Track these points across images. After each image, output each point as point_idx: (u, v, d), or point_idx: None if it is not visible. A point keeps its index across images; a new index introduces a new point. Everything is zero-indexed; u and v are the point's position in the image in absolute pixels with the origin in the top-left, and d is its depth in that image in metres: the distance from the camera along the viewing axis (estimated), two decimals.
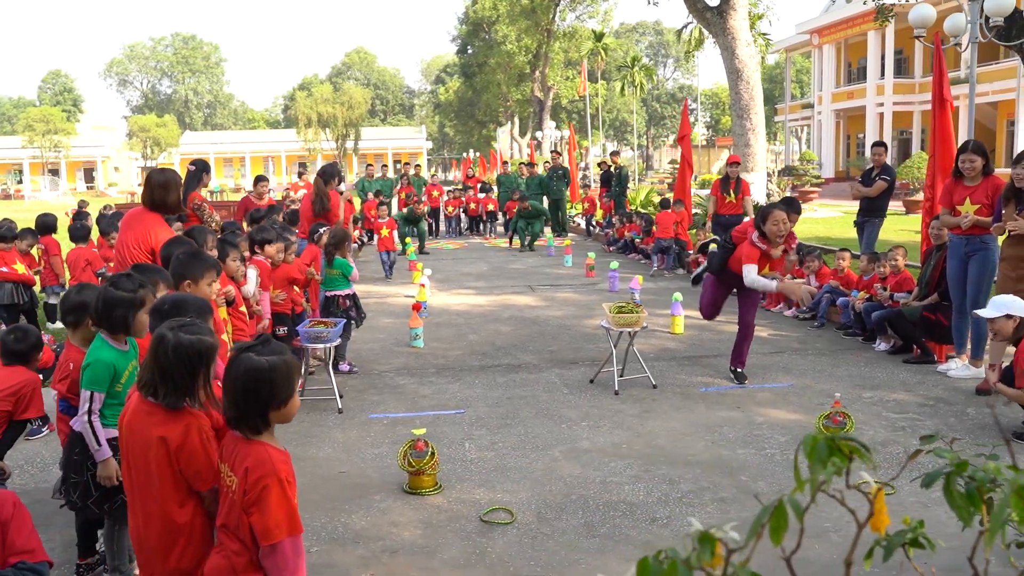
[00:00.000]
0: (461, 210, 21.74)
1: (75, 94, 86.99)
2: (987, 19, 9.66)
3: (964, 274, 7.00)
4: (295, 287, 6.96)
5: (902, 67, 38.78)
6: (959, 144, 7.21)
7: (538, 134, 50.37)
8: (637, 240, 15.73)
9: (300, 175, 21.51)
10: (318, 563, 3.85)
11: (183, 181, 5.53)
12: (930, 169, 7.94)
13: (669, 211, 14.09)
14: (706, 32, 26.45)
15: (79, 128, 72.74)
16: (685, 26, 48.30)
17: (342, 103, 65.69)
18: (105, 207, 18.59)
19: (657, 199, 18.11)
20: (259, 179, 11.10)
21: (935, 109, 7.66)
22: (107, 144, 73.99)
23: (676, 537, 4.10)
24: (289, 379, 2.47)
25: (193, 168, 7.81)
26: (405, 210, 16.81)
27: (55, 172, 67.04)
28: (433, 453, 4.72)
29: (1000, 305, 5.56)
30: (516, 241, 17.87)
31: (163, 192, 5.16)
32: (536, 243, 17.63)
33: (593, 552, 3.97)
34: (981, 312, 5.79)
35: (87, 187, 69.18)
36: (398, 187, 19.53)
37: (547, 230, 19.03)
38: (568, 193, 21.13)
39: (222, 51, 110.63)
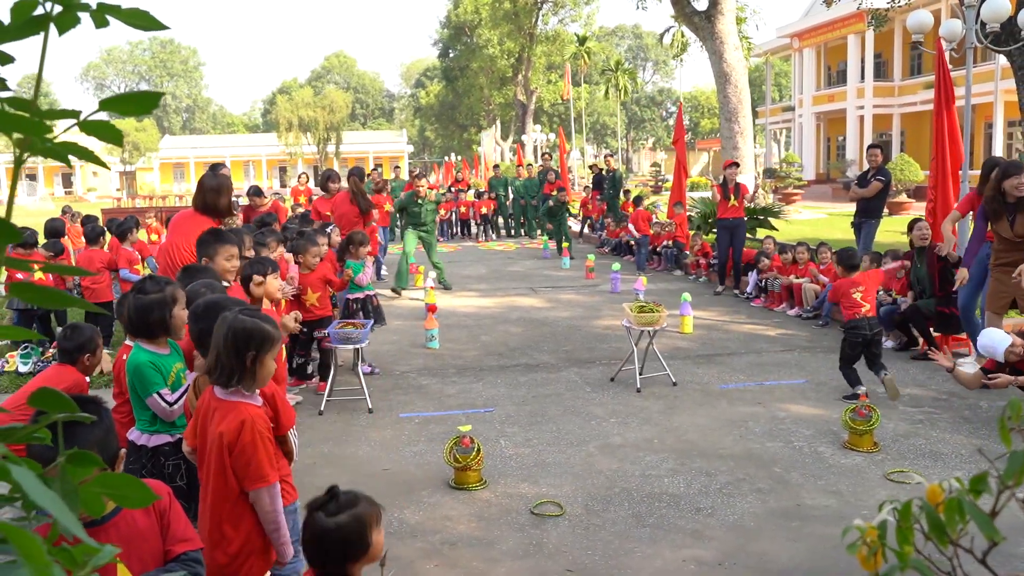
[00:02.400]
0: (452, 213, 21.84)
1: (52, 98, 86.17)
2: (983, 25, 9.92)
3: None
4: (330, 288, 7.04)
5: (881, 70, 39.34)
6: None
7: (523, 137, 50.55)
8: (631, 242, 15.93)
9: (299, 178, 21.51)
10: None
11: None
12: (933, 171, 8.16)
13: (642, 208, 15.51)
14: (691, 36, 26.78)
15: (56, 132, 72.00)
16: (667, 30, 48.83)
17: (323, 107, 65.51)
18: (65, 208, 18.50)
19: (646, 202, 18.35)
20: (256, 191, 10.98)
21: (939, 112, 7.89)
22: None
23: (723, 526, 4.26)
24: (362, 535, 2.41)
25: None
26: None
27: (32, 177, 66.41)
28: (478, 449, 4.85)
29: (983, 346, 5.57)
30: (539, 239, 17.72)
31: (215, 196, 5.23)
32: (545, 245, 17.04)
33: (646, 541, 4.12)
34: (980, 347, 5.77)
35: (65, 192, 68.57)
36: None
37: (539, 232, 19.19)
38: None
39: (200, 55, 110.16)
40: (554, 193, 16.62)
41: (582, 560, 3.93)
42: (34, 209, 42.19)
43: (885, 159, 31.73)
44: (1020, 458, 0.95)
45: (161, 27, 1.18)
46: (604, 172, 19.52)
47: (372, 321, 6.97)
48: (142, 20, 1.16)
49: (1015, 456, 0.96)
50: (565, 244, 15.66)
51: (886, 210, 26.17)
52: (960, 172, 8.39)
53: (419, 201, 12.20)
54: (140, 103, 1.16)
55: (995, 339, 5.42)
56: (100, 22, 1.14)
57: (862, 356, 6.37)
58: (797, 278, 10.24)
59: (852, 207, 11.45)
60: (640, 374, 6.99)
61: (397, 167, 21.75)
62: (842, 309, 6.48)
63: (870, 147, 11.03)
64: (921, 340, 7.88)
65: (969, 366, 7.26)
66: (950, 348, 7.79)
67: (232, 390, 2.81)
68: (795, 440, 5.57)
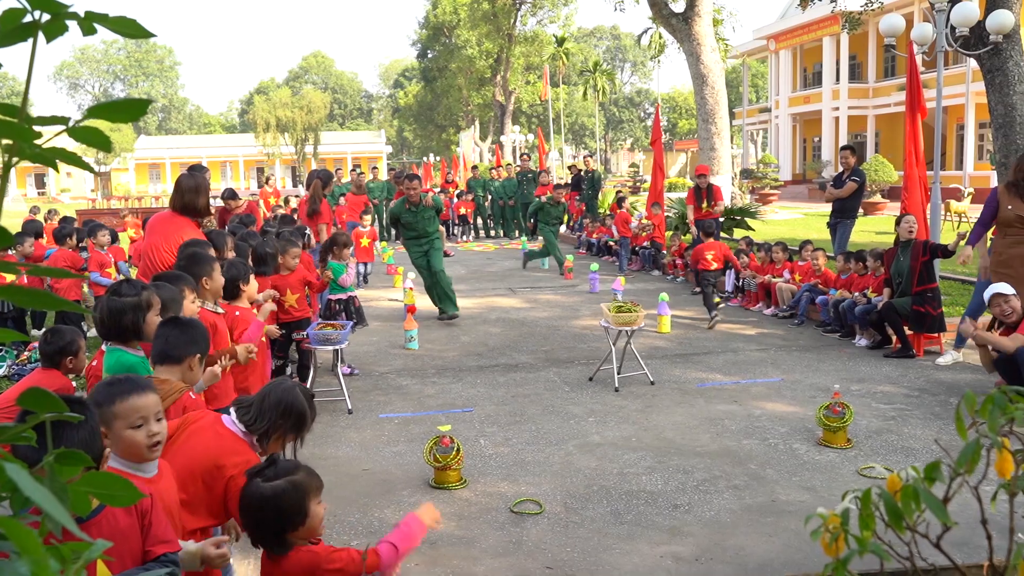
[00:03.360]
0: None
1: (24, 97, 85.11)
2: (952, 29, 10.08)
3: None
4: (308, 290, 7.05)
5: (856, 72, 39.74)
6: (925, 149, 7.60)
7: (502, 138, 50.60)
8: (612, 242, 16.02)
9: (268, 180, 21.46)
10: None
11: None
12: (907, 175, 8.30)
13: (623, 210, 15.47)
14: (669, 38, 26.94)
15: (45, 138, 71.17)
16: (645, 31, 49.06)
17: (301, 107, 65.19)
18: (33, 208, 18.38)
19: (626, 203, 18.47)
20: (231, 194, 10.91)
21: (908, 116, 8.02)
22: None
23: (700, 522, 4.32)
24: (299, 504, 2.47)
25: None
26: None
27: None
28: (458, 449, 4.89)
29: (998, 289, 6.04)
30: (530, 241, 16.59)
31: (194, 196, 5.24)
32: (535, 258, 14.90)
33: (624, 538, 4.17)
34: (991, 290, 6.23)
35: (38, 193, 67.82)
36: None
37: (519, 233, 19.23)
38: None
39: (176, 54, 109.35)
40: (547, 195, 14.36)
41: (561, 557, 3.98)
42: (5, 210, 41.68)
43: (860, 160, 32.17)
44: (971, 448, 1.01)
45: (148, 35, 1.21)
46: (583, 173, 19.61)
47: (353, 322, 6.99)
48: (130, 28, 1.19)
49: (967, 447, 1.01)
50: (567, 258, 13.87)
51: (861, 210, 26.51)
52: (931, 173, 8.54)
53: (412, 209, 9.90)
54: (128, 110, 1.19)
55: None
56: (88, 30, 1.17)
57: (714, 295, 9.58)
58: (773, 277, 10.35)
59: (828, 207, 11.60)
60: (618, 373, 7.05)
61: (375, 168, 21.68)
62: (699, 265, 10.00)
63: (842, 148, 11.19)
64: (894, 338, 8.01)
65: (945, 360, 7.49)
66: (923, 347, 7.92)
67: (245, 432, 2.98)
68: (770, 437, 5.65)
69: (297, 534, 2.49)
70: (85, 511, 1.14)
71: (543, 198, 14.21)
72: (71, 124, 1.14)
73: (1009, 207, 7.02)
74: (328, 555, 2.49)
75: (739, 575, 3.79)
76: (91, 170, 1.26)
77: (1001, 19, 10.08)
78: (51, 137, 1.19)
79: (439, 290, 10.10)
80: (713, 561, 3.92)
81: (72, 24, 1.15)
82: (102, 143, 1.22)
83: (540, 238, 14.71)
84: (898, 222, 8.25)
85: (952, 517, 1.41)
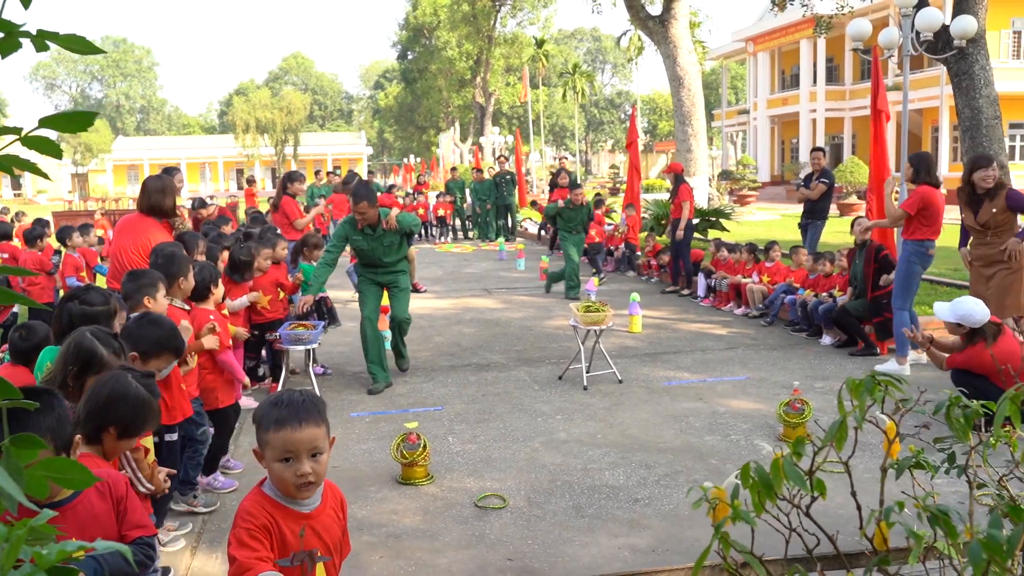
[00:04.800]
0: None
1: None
2: (918, 34, 10.28)
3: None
4: (281, 291, 7.12)
5: (833, 75, 40.16)
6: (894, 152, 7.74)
7: (481, 139, 50.72)
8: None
9: (251, 182, 21.44)
10: None
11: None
12: (872, 176, 8.48)
13: (599, 212, 15.67)
14: (647, 40, 27.15)
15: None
16: (624, 33, 49.35)
17: (281, 108, 65.10)
18: (2, 209, 18.32)
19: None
20: (200, 203, 10.89)
21: (873, 119, 8.20)
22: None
23: (658, 515, 4.45)
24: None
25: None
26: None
27: None
28: (425, 445, 4.99)
29: (958, 313, 5.74)
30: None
31: (160, 197, 5.38)
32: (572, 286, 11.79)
33: (584, 530, 4.29)
34: (937, 311, 6.05)
35: (15, 194, 67.25)
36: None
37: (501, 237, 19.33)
38: (516, 198, 21.54)
39: (155, 55, 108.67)
40: (562, 201, 11.88)
41: (522, 549, 4.09)
42: None
43: (838, 160, 31.97)
44: (836, 426, 1.13)
45: (97, 51, 1.32)
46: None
47: (324, 322, 7.07)
48: (79, 45, 1.29)
49: (832, 425, 1.13)
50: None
51: (836, 211, 26.79)
52: (899, 175, 8.70)
53: (368, 231, 7.00)
54: (77, 122, 1.29)
55: (975, 307, 5.66)
56: (40, 47, 1.27)
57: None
58: (744, 278, 10.51)
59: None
60: (587, 372, 7.17)
61: (317, 172, 20.03)
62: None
63: (813, 151, 11.38)
64: (859, 341, 8.17)
65: (890, 366, 7.50)
66: (887, 346, 8.08)
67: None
68: (733, 434, 5.79)
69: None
70: (43, 494, 1.23)
71: (560, 202, 11.91)
72: (24, 134, 1.24)
73: (963, 214, 7.21)
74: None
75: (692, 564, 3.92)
76: (46, 176, 1.36)
77: (964, 24, 10.30)
78: (6, 145, 1.29)
79: (394, 340, 7.62)
80: (669, 552, 4.04)
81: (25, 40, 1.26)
82: (53, 151, 1.33)
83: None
84: (853, 225, 8.43)
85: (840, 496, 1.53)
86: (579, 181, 21.54)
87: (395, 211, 7.08)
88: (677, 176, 12.42)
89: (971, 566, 1.11)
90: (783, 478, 1.11)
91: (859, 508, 1.47)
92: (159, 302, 4.05)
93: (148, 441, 3.21)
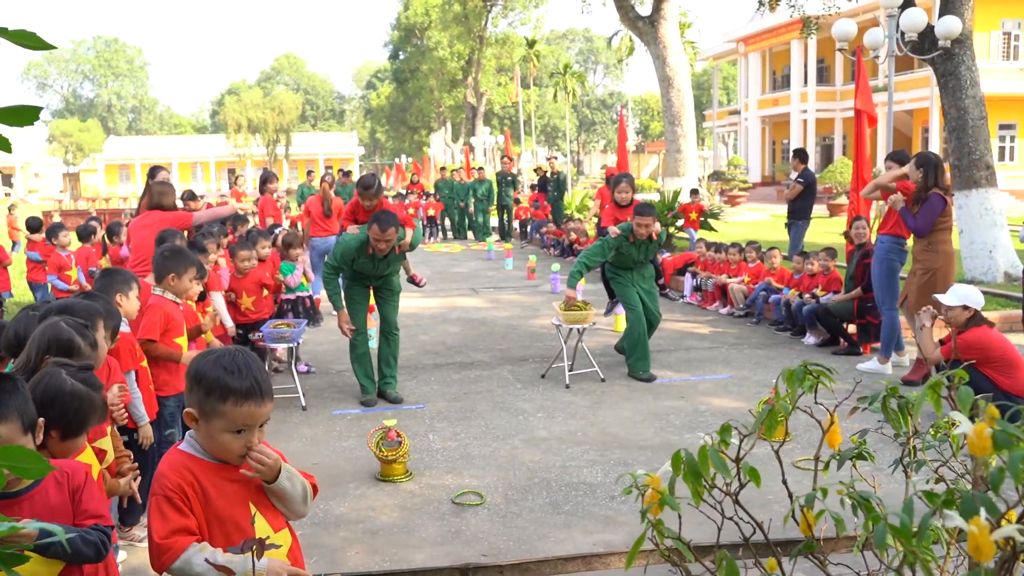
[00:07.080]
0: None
1: None
2: (903, 34, 10.33)
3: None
4: (265, 291, 7.11)
5: (824, 75, 40.30)
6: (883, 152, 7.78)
7: (472, 140, 50.72)
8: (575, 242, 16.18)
9: (236, 180, 21.42)
10: (306, 545, 4.08)
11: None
12: (853, 175, 8.52)
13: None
14: (638, 40, 27.18)
15: None
16: (615, 34, 49.40)
17: (272, 108, 64.94)
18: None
19: (591, 204, 18.65)
20: (190, 195, 10.94)
21: (856, 120, 8.25)
22: (26, 149, 71.80)
23: (634, 512, 4.46)
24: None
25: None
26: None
27: None
28: (403, 442, 5.00)
29: (960, 295, 5.86)
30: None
31: (160, 196, 6.19)
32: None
33: (559, 527, 4.31)
34: (940, 298, 6.08)
35: (5, 194, 66.93)
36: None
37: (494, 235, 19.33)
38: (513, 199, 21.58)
39: (146, 54, 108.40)
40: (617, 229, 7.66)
41: (497, 545, 4.11)
42: None
43: (828, 161, 31.91)
44: (763, 415, 1.15)
45: (48, 47, 1.33)
46: (548, 175, 19.77)
47: (305, 321, 7.07)
48: (29, 40, 1.30)
49: (760, 414, 1.15)
50: (531, 258, 11.68)
51: (826, 211, 26.86)
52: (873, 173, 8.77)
53: (379, 256, 6.52)
54: (20, 116, 1.31)
55: (971, 289, 5.79)
56: None
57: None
58: (729, 277, 10.55)
59: None
60: (570, 371, 7.19)
61: (309, 172, 19.40)
62: None
63: (794, 152, 11.45)
64: (841, 340, 8.21)
65: (871, 366, 7.54)
66: (869, 345, 8.11)
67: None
68: (713, 431, 5.80)
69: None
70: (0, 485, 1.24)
71: (610, 230, 7.71)
72: None
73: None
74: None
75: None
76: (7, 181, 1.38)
77: (949, 25, 10.34)
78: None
79: (384, 353, 6.92)
80: (643, 548, 4.05)
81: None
82: (3, 146, 1.35)
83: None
84: (850, 225, 8.46)
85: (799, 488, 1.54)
86: (570, 182, 21.56)
87: (409, 233, 6.55)
88: (608, 178, 12.66)
89: (876, 547, 1.13)
90: (712, 466, 1.13)
91: (791, 496, 1.49)
92: (131, 300, 4.05)
93: (106, 443, 3.20)
